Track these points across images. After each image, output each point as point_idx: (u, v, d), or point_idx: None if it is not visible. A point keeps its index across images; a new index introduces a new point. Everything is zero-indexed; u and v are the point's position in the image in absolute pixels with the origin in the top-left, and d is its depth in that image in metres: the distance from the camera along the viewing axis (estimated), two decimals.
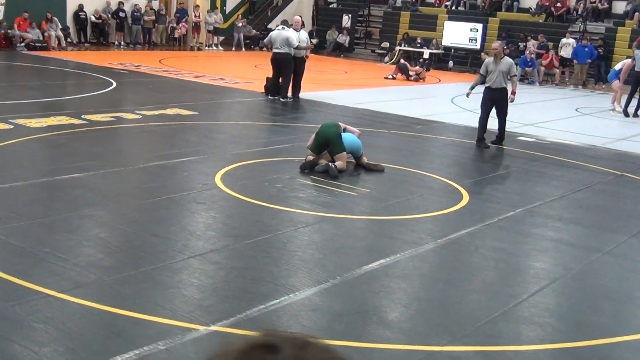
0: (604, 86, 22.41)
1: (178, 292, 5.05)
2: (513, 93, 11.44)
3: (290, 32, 14.85)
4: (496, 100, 11.35)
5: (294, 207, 7.34)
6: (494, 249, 6.50)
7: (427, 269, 5.96)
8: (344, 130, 9.26)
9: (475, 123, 11.74)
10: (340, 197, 7.85)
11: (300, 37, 15.16)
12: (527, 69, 23.08)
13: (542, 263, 6.25)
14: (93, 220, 6.47)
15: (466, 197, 8.12)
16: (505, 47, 23.99)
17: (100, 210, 6.76)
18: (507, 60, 11.45)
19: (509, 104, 11.44)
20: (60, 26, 23.93)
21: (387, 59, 27.05)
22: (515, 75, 11.59)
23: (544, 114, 16.16)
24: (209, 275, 5.43)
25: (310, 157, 8.90)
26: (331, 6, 31.25)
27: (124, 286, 5.06)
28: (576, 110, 17.25)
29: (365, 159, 9.22)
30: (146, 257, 5.66)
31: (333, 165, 8.64)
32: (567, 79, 23.35)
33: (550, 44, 23.93)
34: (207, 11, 28.34)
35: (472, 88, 11.70)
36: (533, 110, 16.66)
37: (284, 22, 15.88)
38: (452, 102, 17.00)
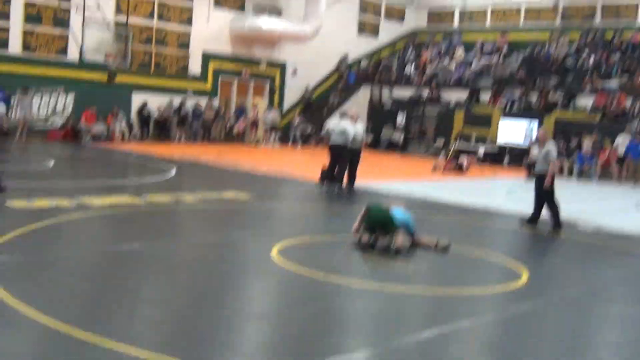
0: None
1: (234, 353, 5.00)
2: (549, 180, 11.42)
3: (347, 124, 15.16)
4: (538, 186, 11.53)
5: (349, 278, 7.28)
6: (557, 323, 6.29)
7: (486, 339, 5.78)
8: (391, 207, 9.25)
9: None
10: (397, 271, 7.77)
11: (356, 129, 15.44)
12: (584, 165, 22.88)
13: (610, 336, 6.01)
14: (150, 286, 6.52)
15: (525, 276, 7.93)
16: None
17: (157, 278, 6.82)
18: (547, 145, 11.52)
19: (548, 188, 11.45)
20: (124, 120, 24.93)
21: (442, 156, 27.18)
22: (554, 161, 11.50)
23: (604, 207, 15.87)
24: (266, 336, 5.38)
25: (365, 237, 8.88)
26: (385, 109, 31.84)
27: (181, 342, 5.05)
28: (636, 205, 16.89)
29: (422, 238, 9.15)
30: (203, 318, 5.66)
31: (393, 243, 8.62)
32: (624, 176, 23.00)
33: (607, 141, 23.77)
34: (265, 109, 29.19)
35: None
36: (592, 204, 16.40)
37: (342, 114, 16.25)
38: (509, 193, 16.89)
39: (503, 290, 7.34)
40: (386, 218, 8.91)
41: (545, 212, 11.51)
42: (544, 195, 11.52)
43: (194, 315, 5.78)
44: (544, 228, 11.33)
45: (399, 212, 9.17)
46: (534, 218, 11.69)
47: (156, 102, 26.36)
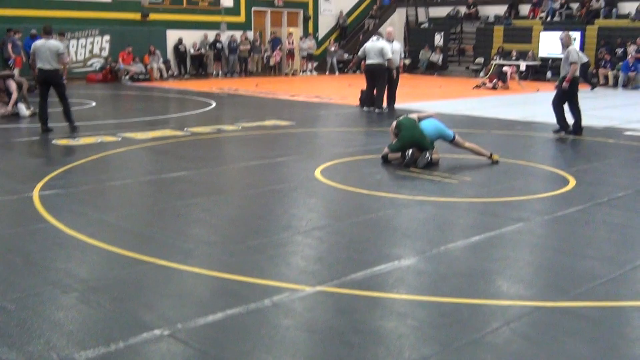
0: None
1: (283, 261, 5.09)
2: (567, 80, 11.41)
3: (383, 43, 14.92)
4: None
5: (394, 192, 7.30)
6: (606, 223, 6.23)
7: (535, 240, 5.76)
8: (419, 119, 9.06)
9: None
10: (440, 185, 7.75)
11: (393, 48, 15.20)
12: (630, 74, 22.25)
13: None
14: (199, 207, 6.64)
15: (573, 182, 7.84)
16: (605, 53, 23.28)
17: (205, 199, 6.93)
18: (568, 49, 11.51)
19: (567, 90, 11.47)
20: (161, 59, 24.97)
21: (482, 74, 26.70)
22: (574, 63, 11.37)
23: None
24: (312, 247, 5.45)
25: (393, 155, 8.79)
26: (423, 26, 31.21)
27: (231, 257, 5.16)
28: None
29: (466, 143, 9.05)
30: (251, 234, 5.76)
31: (429, 157, 8.56)
32: None
33: None
34: (300, 38, 28.89)
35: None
36: (638, 110, 16.00)
37: (378, 34, 15.99)
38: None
39: (551, 195, 7.27)
40: (420, 137, 8.76)
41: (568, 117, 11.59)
42: (566, 97, 11.49)
43: (244, 232, 5.88)
44: (584, 135, 11.13)
45: (429, 125, 8.96)
46: (574, 127, 11.62)
47: (191, 39, 26.29)
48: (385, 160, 8.84)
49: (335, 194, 7.37)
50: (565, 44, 11.55)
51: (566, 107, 11.67)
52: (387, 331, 3.87)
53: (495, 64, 24.87)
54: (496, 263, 5.11)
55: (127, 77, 23.47)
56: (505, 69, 22.08)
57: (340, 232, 5.90)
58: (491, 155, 8.96)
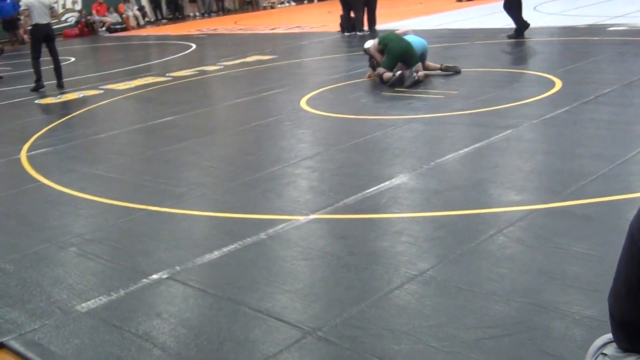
0: None
1: (275, 194, 5.10)
2: None
3: None
4: None
5: (381, 114, 7.27)
6: (593, 120, 6.23)
7: (524, 145, 5.76)
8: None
9: (562, 24, 11.42)
10: (427, 101, 7.71)
11: None
12: None
13: None
14: (187, 150, 6.62)
15: (559, 84, 7.80)
16: None
17: (193, 142, 6.91)
18: None
19: None
20: (136, 6, 24.51)
21: None
22: None
23: (634, 5, 15.25)
24: (303, 177, 5.46)
25: (389, 74, 8.71)
26: None
27: (223, 196, 5.17)
28: None
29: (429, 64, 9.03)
30: (241, 171, 5.76)
31: (416, 75, 8.49)
32: None
33: None
34: None
35: None
36: (621, 4, 15.77)
37: None
38: (535, 10, 16.32)
39: (538, 99, 7.23)
40: (409, 49, 8.71)
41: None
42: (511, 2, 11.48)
43: (234, 170, 5.88)
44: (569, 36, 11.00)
45: (413, 39, 8.91)
46: (519, 29, 11.63)
47: None
48: (383, 81, 8.71)
49: (323, 122, 7.34)
50: None
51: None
52: (383, 250, 3.91)
53: None
54: (487, 172, 5.13)
55: (104, 28, 23.08)
56: None
57: (330, 159, 5.90)
58: (441, 66, 8.92)
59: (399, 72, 8.55)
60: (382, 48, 8.82)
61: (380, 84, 8.74)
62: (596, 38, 11.02)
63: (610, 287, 1.63)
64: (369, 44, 9.12)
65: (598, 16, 13.58)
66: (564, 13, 15.04)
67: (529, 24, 11.60)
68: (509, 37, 11.59)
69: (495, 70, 9.04)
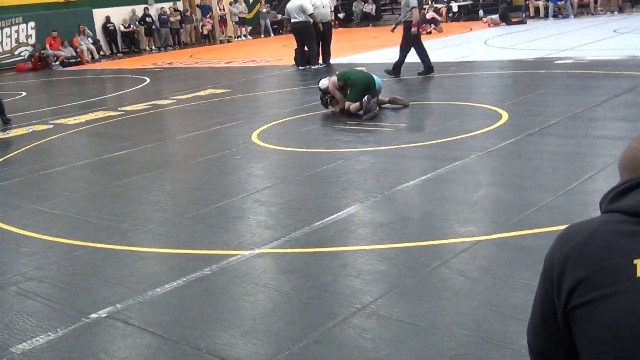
0: None
1: (223, 229, 5.06)
2: (414, 25, 11.70)
3: (302, 0, 14.66)
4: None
5: (331, 147, 7.30)
6: (538, 152, 6.34)
7: (471, 177, 5.82)
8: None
9: (511, 57, 11.67)
10: (377, 134, 7.78)
11: (322, 2, 15.00)
12: (559, 2, 22.49)
13: (588, 157, 6.06)
14: (135, 185, 6.55)
15: (506, 116, 7.94)
16: None
17: (141, 177, 6.84)
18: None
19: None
20: (91, 40, 24.36)
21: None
22: (415, 7, 11.68)
23: (581, 38, 15.70)
24: (252, 212, 5.43)
25: (356, 104, 8.73)
26: None
27: (169, 231, 5.11)
28: (614, 31, 16.72)
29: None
30: (189, 206, 5.71)
31: (376, 108, 8.64)
32: (599, 8, 22.59)
33: None
34: (230, 3, 28.44)
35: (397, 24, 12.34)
36: (569, 38, 16.23)
37: None
38: (485, 44, 16.69)
39: (485, 131, 7.34)
40: (371, 81, 8.85)
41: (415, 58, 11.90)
42: (412, 42, 11.79)
43: (181, 205, 5.82)
44: (517, 69, 11.23)
45: (369, 76, 9.07)
46: (398, 65, 11.95)
47: (119, 16, 25.67)
48: (351, 115, 8.75)
49: (273, 156, 7.34)
50: None
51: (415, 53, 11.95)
52: (327, 284, 3.89)
53: (427, 9, 24.86)
54: (433, 204, 5.17)
55: (58, 62, 22.86)
56: (428, 15, 22.07)
57: (279, 192, 5.90)
58: (389, 99, 9.11)
59: (368, 96, 8.62)
60: (343, 84, 8.89)
61: (347, 116, 8.77)
62: (543, 71, 11.29)
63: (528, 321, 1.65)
64: (325, 82, 9.14)
65: (546, 50, 13.93)
66: (513, 47, 15.39)
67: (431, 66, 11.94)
68: (419, 74, 11.93)
69: (443, 103, 9.19)
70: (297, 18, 14.58)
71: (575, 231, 1.53)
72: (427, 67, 11.89)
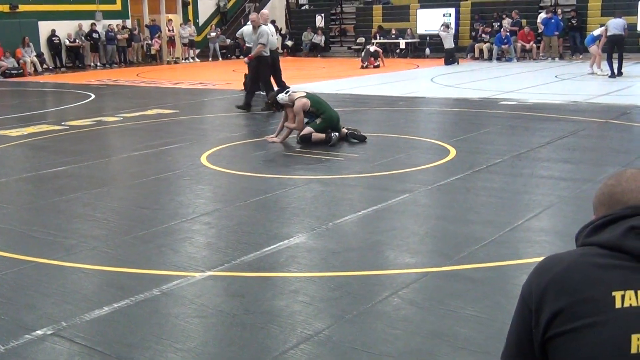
0: (581, 57, 22.42)
1: (171, 249, 4.99)
2: (249, 58, 12.27)
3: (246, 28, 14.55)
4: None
5: (281, 174, 7.31)
6: (485, 189, 6.48)
7: (420, 210, 5.91)
8: None
9: (457, 96, 11.92)
10: (328, 163, 7.82)
11: (268, 31, 14.98)
12: (503, 46, 23.16)
13: (534, 195, 6.22)
14: (80, 201, 6.40)
15: (453, 152, 8.09)
16: (484, 27, 24.07)
17: (86, 193, 6.69)
18: (261, 28, 12.21)
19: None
20: (34, 52, 23.85)
21: (363, 54, 27.05)
22: (263, 44, 12.10)
23: (524, 82, 16.19)
24: (200, 234, 5.37)
25: (321, 135, 8.72)
26: (303, 8, 31.31)
27: (116, 250, 5.00)
28: (555, 77, 17.31)
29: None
30: (136, 225, 5.60)
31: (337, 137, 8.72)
32: (541, 54, 23.34)
33: (524, 21, 24.04)
34: (180, 25, 28.32)
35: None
36: (512, 81, 16.71)
37: (246, 18, 15.81)
38: (432, 81, 17.04)
39: (433, 165, 7.47)
40: (338, 118, 8.93)
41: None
42: (256, 75, 12.31)
43: (128, 224, 5.71)
44: (463, 107, 11.48)
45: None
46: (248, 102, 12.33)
47: (65, 30, 25.22)
48: (307, 141, 8.74)
49: (223, 179, 7.29)
50: (256, 24, 12.22)
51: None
52: (279, 309, 3.87)
53: (366, 48, 25.19)
54: (383, 235, 5.21)
55: None
56: (372, 49, 22.47)
57: (228, 216, 5.85)
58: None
59: (333, 133, 8.68)
60: (315, 112, 8.83)
61: (300, 142, 8.77)
62: (488, 110, 11.58)
63: (502, 350, 1.67)
64: (285, 98, 8.94)
65: (490, 90, 14.31)
66: (458, 86, 15.75)
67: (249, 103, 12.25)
68: (237, 107, 12.29)
69: (393, 136, 9.31)
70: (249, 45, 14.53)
71: (553, 262, 1.57)
72: (247, 104, 12.24)
